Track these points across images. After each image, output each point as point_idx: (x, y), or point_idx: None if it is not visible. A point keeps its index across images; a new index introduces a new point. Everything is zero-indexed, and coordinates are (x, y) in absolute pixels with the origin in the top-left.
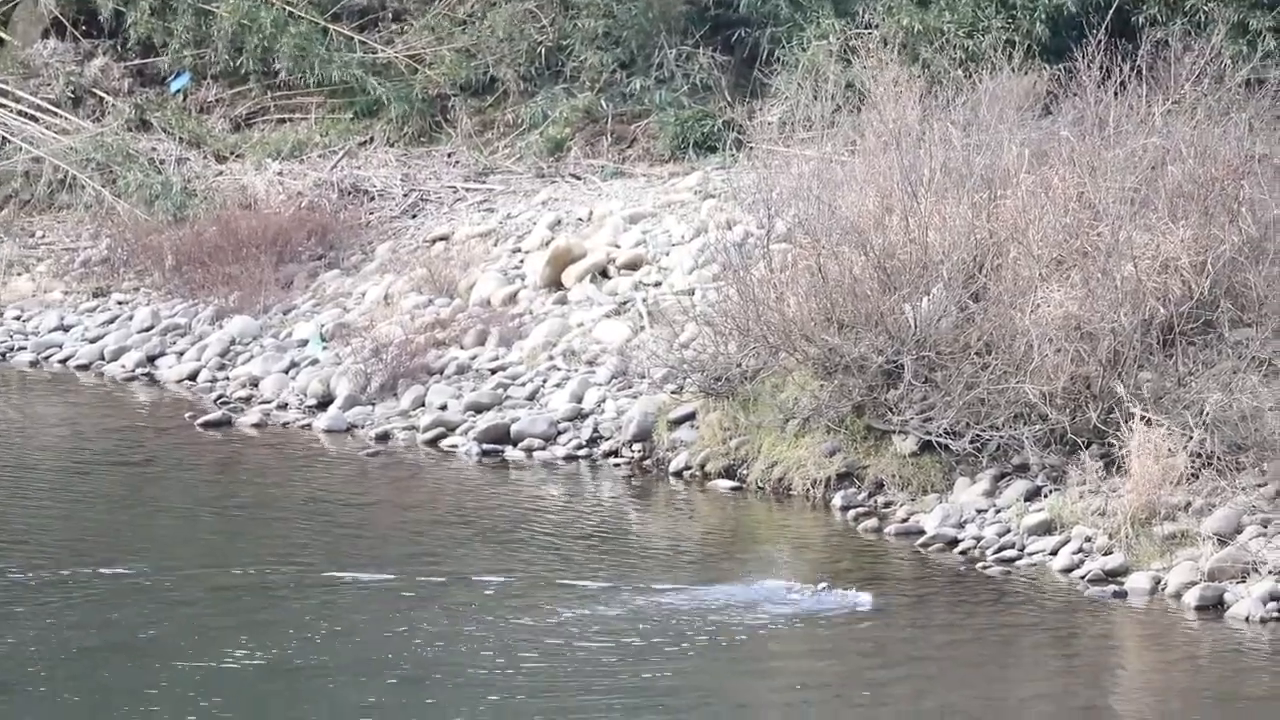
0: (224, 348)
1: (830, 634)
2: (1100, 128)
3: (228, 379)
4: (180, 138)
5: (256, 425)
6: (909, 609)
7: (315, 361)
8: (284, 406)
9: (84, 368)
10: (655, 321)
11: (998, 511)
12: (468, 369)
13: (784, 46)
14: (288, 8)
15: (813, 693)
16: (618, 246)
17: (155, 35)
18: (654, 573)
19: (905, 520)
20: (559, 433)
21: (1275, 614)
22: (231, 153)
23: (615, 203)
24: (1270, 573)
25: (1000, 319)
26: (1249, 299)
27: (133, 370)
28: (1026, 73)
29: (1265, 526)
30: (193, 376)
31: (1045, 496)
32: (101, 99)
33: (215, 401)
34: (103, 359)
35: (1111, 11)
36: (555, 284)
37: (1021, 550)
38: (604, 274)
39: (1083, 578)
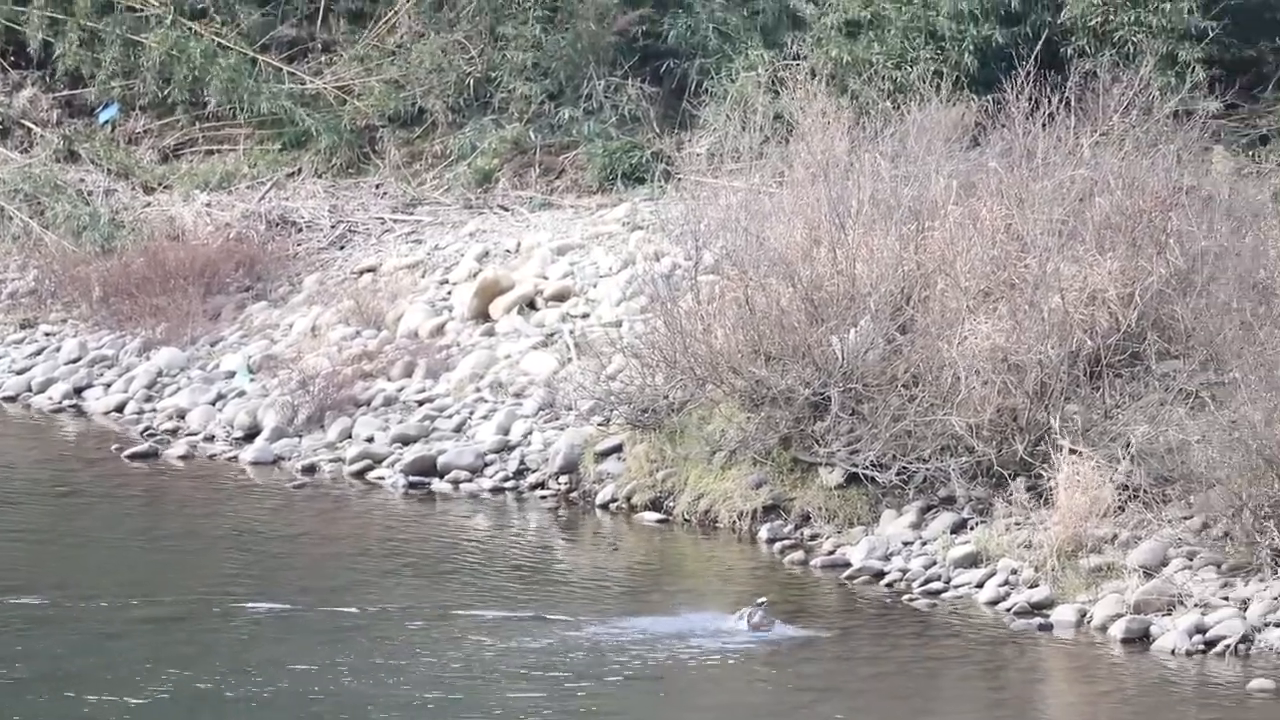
0: (151, 379)
1: (756, 667)
2: (1028, 159)
3: (155, 411)
4: (108, 169)
5: (183, 457)
6: (835, 642)
7: (242, 393)
8: (211, 438)
9: (11, 399)
10: (582, 353)
11: (924, 544)
12: (395, 401)
13: (712, 78)
14: (216, 39)
15: None
16: (545, 278)
17: (84, 66)
18: (580, 605)
19: (831, 553)
20: (486, 465)
21: (1200, 647)
22: (159, 184)
23: (543, 234)
24: (1195, 606)
25: (927, 351)
26: (1176, 331)
27: (60, 402)
28: (955, 104)
29: (1191, 559)
30: (120, 408)
31: (971, 529)
32: (29, 130)
33: (142, 433)
34: (29, 390)
35: (1040, 43)
36: (483, 315)
37: (947, 583)
38: (531, 305)
39: (1009, 610)
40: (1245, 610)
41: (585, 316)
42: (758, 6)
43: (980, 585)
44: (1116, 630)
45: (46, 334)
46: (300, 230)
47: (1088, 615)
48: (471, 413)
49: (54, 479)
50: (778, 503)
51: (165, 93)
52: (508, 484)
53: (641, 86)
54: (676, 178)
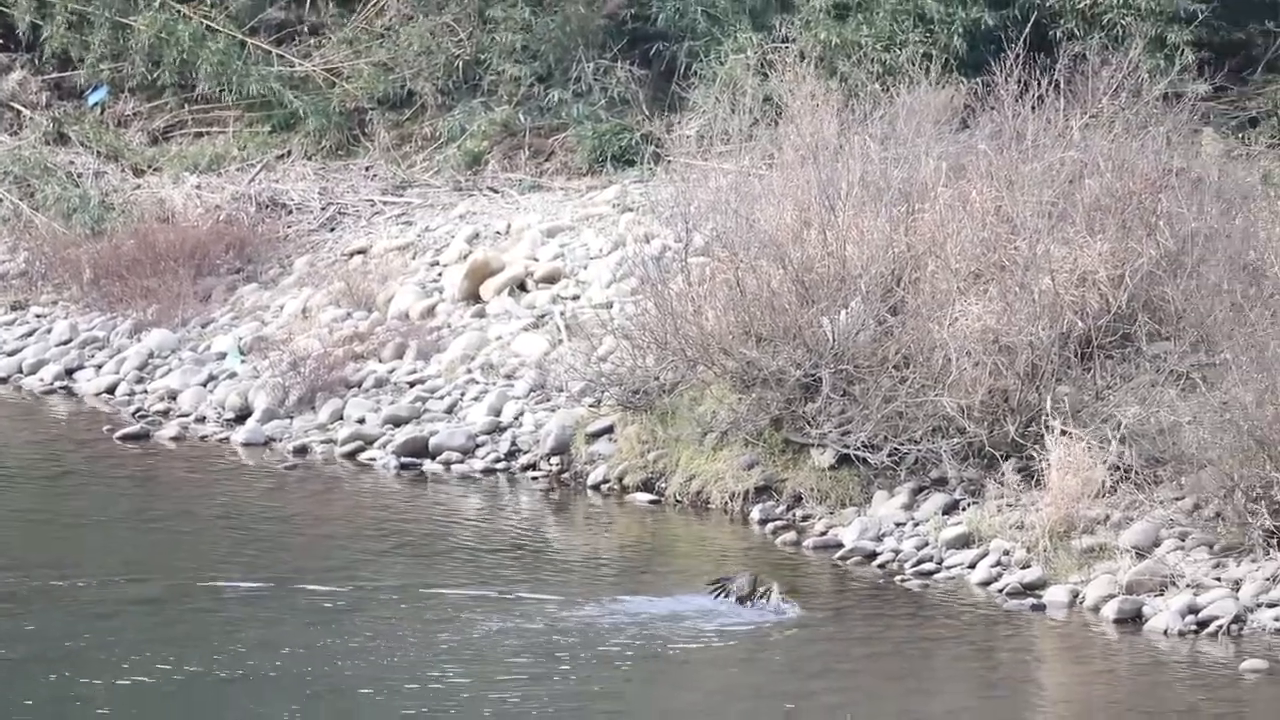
0: (142, 361)
1: (749, 646)
2: (1018, 141)
3: (146, 392)
4: (98, 151)
5: (174, 438)
6: (827, 622)
7: (233, 375)
8: (202, 420)
9: (2, 381)
10: (573, 335)
11: (916, 525)
12: (386, 382)
13: (701, 60)
14: (205, 21)
15: (731, 705)
16: (536, 260)
17: (72, 49)
18: (573, 585)
19: (823, 533)
20: (477, 446)
21: (1193, 627)
22: (149, 166)
23: (533, 216)
24: (1188, 586)
25: (918, 332)
26: (1166, 313)
27: (51, 383)
28: (944, 87)
29: (1183, 540)
30: (111, 390)
31: (963, 510)
32: (19, 112)
33: (133, 415)
34: (20, 372)
35: (1029, 26)
36: (473, 297)
37: (940, 564)
38: (522, 287)
39: (1001, 591)
40: (1237, 591)
41: (576, 298)
42: None
43: (972, 566)
44: (1109, 611)
45: (37, 316)
46: (290, 212)
47: (1080, 596)
48: (463, 394)
49: (46, 460)
50: (769, 484)
51: (154, 75)
52: (499, 465)
53: (631, 69)
54: (666, 160)
